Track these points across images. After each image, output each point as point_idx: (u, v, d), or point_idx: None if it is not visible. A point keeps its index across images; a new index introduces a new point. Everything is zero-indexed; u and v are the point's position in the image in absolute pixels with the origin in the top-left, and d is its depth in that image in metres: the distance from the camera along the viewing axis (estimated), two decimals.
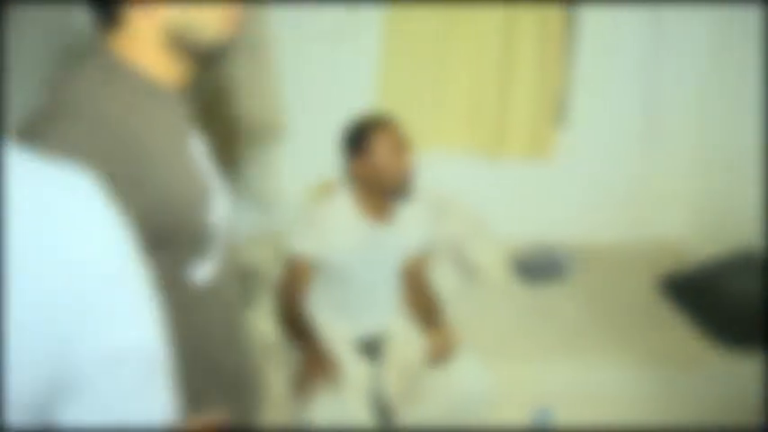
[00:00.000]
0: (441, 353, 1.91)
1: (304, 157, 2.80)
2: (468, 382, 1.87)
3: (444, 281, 2.65)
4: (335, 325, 1.96)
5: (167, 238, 0.82)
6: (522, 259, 2.97)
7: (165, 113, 0.85)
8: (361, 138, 1.88)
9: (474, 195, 3.10)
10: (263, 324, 2.20)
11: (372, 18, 2.93)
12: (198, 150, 0.91)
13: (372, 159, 1.86)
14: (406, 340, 1.99)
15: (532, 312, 2.61)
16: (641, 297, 2.76)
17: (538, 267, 2.92)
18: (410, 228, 2.01)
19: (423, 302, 2.08)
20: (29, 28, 1.98)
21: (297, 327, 1.88)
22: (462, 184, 3.11)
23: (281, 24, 2.85)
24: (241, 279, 2.82)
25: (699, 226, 3.18)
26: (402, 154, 1.88)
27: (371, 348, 1.99)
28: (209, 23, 0.84)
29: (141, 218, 0.72)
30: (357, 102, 2.56)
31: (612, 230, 3.24)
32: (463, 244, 2.87)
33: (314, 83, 2.98)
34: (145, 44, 0.82)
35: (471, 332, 2.32)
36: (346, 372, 1.83)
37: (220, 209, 0.92)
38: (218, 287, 0.92)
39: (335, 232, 1.88)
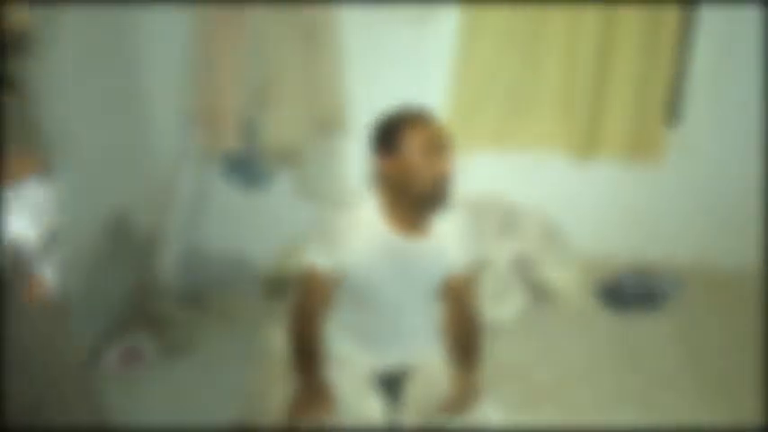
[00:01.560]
0: (458, 402, 1.62)
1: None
2: None
3: (508, 306, 2.32)
4: (353, 355, 1.71)
5: None
6: (610, 283, 2.54)
7: None
8: (390, 135, 1.60)
9: (555, 203, 2.70)
10: (280, 338, 2.00)
11: (450, 9, 2.61)
12: None
13: (401, 160, 1.58)
14: (433, 377, 1.69)
15: (616, 349, 2.20)
16: (762, 341, 2.22)
17: (629, 294, 2.47)
18: (449, 242, 1.70)
19: (459, 333, 1.75)
20: None
21: (303, 352, 1.65)
22: (541, 189, 2.72)
23: (347, 13, 2.61)
24: (275, 284, 2.68)
25: None
26: (437, 155, 1.58)
27: (392, 384, 1.71)
28: None
29: None
30: (430, 98, 2.29)
31: (731, 253, 2.68)
32: (534, 261, 2.48)
33: (382, 77, 2.69)
34: None
35: (537, 368, 2.05)
36: (357, 410, 1.59)
37: None
38: None
39: (357, 243, 1.62)
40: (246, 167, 2.80)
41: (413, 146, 1.57)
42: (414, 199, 1.61)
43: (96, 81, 2.37)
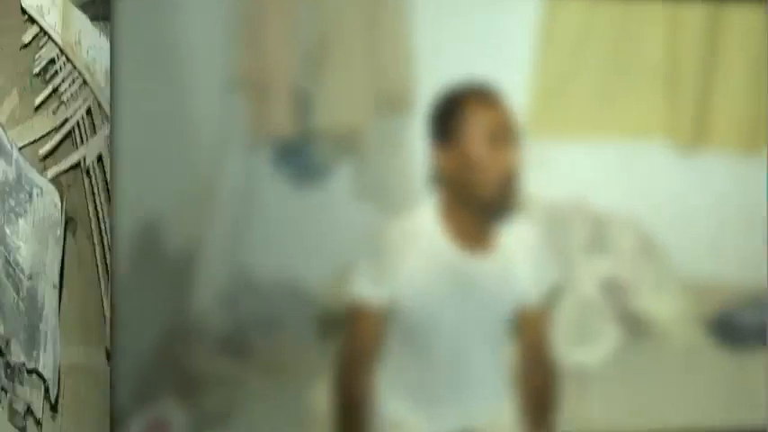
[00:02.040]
0: None
1: None
2: None
3: (597, 345, 2.00)
4: (404, 417, 1.43)
5: None
6: (726, 314, 2.18)
7: None
8: (447, 117, 1.35)
9: (655, 209, 2.31)
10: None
11: None
12: None
13: (460, 149, 1.32)
14: None
15: (732, 394, 1.89)
16: None
17: (749, 327, 2.11)
18: (519, 261, 1.41)
19: (534, 384, 1.46)
20: None
21: (349, 412, 1.39)
22: (637, 191, 2.33)
23: None
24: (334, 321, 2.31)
25: None
26: (505, 146, 1.32)
27: None
28: None
29: None
30: (509, 77, 1.99)
31: None
32: (628, 285, 2.14)
33: (456, 54, 2.36)
34: None
35: (630, 416, 1.75)
36: None
37: None
38: None
39: (411, 263, 1.34)
40: (300, 156, 2.45)
41: (475, 130, 1.31)
42: (476, 202, 1.33)
43: None
